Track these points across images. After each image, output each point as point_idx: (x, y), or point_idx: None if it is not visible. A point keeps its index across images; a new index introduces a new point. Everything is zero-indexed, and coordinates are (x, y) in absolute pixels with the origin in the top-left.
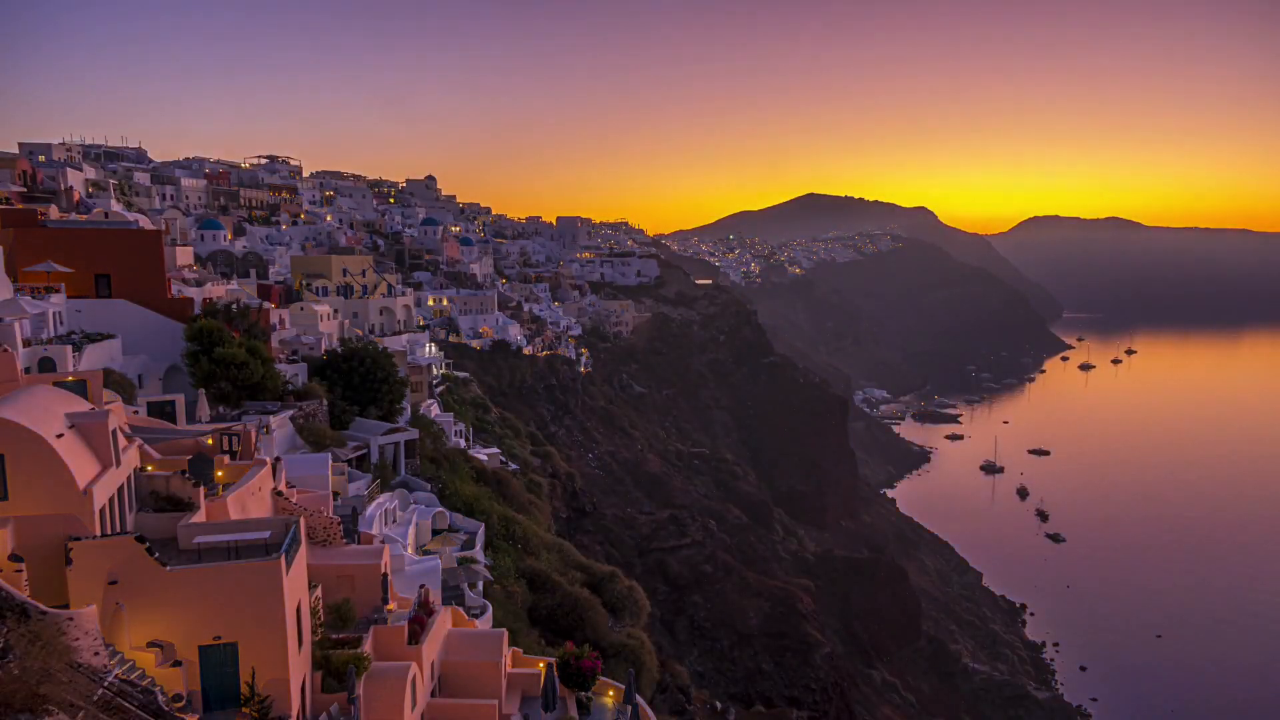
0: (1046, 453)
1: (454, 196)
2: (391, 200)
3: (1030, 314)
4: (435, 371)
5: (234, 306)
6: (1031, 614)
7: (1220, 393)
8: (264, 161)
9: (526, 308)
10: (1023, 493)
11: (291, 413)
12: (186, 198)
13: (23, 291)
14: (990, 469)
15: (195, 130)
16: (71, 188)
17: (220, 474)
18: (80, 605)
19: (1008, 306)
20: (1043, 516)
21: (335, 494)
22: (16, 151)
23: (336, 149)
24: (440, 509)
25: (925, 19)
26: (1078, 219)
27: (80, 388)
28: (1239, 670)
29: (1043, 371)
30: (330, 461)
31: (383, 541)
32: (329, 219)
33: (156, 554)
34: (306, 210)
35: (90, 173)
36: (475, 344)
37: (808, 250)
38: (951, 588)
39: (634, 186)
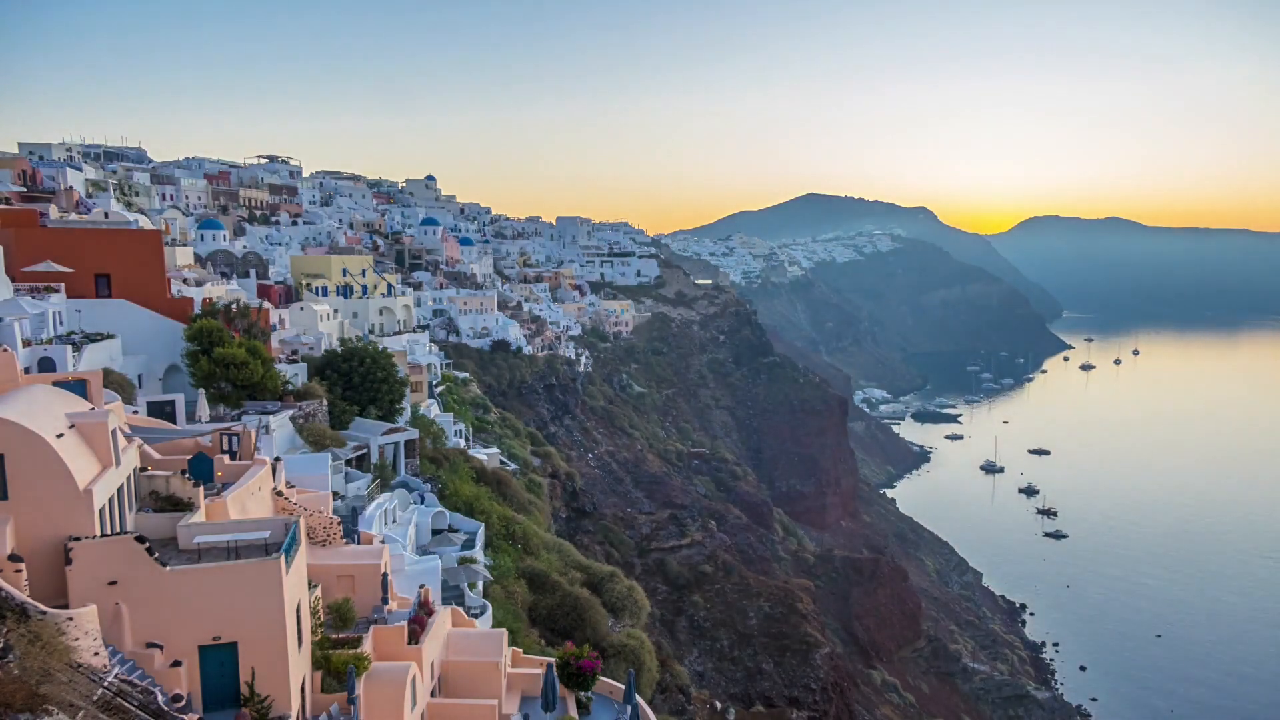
0: (1047, 453)
1: (454, 196)
2: (391, 200)
3: (1030, 314)
4: (435, 371)
5: (234, 306)
6: (1031, 614)
7: (1220, 393)
8: (264, 161)
9: (526, 308)
10: (1029, 491)
11: (291, 413)
12: (186, 198)
13: (23, 291)
14: (990, 469)
15: (195, 130)
16: (71, 188)
17: (220, 474)
18: (80, 605)
19: (1008, 306)
20: (1049, 514)
21: (335, 494)
22: (16, 151)
23: (336, 149)
24: (440, 509)
25: (925, 20)
26: (1078, 219)
27: (80, 388)
28: (1239, 670)
29: (1043, 371)
30: (330, 461)
31: (383, 541)
32: (329, 219)
33: (156, 554)
34: (306, 210)
35: (90, 173)
36: (475, 344)
37: (808, 250)
38: (951, 587)
39: (634, 186)
